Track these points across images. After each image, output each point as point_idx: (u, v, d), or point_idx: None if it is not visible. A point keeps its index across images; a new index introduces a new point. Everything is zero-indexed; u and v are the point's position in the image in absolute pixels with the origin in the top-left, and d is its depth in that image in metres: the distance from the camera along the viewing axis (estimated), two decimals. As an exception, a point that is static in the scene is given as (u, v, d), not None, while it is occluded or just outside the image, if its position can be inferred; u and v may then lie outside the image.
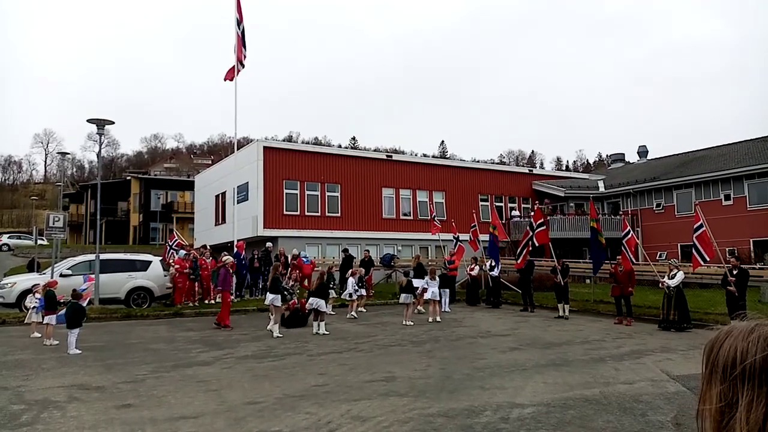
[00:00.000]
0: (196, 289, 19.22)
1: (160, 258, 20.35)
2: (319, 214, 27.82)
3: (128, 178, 58.67)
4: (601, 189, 33.84)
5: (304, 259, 21.27)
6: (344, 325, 15.29)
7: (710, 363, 0.96)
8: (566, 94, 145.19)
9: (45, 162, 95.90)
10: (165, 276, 19.10)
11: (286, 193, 27.17)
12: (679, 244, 28.17)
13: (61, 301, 12.25)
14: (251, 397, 7.65)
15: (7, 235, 48.61)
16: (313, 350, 11.40)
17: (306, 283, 19.84)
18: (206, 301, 19.14)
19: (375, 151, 64.70)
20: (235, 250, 20.41)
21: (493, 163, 75.14)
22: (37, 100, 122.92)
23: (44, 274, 17.99)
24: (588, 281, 23.98)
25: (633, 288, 15.98)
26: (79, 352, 10.91)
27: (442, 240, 24.39)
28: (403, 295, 15.90)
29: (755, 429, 0.86)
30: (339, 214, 28.30)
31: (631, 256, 16.75)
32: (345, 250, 22.88)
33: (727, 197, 27.69)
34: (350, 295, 17.09)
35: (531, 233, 18.93)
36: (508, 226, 30.69)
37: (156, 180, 57.86)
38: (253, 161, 26.84)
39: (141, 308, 17.91)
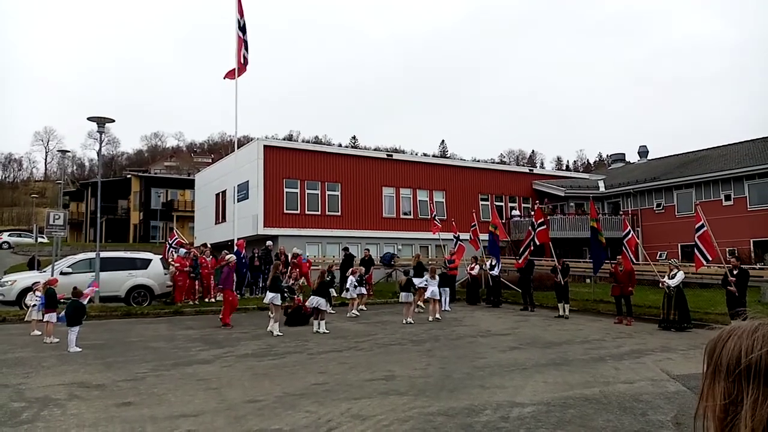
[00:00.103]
0: (197, 287, 19.24)
1: (161, 256, 20.36)
2: (319, 213, 27.82)
3: (129, 176, 58.68)
4: (602, 189, 33.84)
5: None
6: (344, 323, 15.30)
7: (713, 361, 0.96)
8: (566, 94, 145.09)
9: (45, 160, 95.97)
10: (165, 274, 19.11)
11: (287, 192, 27.17)
12: (679, 244, 28.18)
13: (62, 300, 12.25)
14: (251, 395, 7.65)
15: (8, 233, 48.68)
16: (314, 349, 11.41)
17: (302, 281, 19.83)
18: (206, 300, 19.16)
19: (375, 150, 64.65)
20: (236, 248, 20.42)
21: (493, 162, 75.15)
22: (38, 99, 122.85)
23: (44, 272, 18.01)
24: (588, 281, 23.99)
25: (633, 288, 15.98)
26: (80, 350, 10.92)
27: (442, 239, 24.39)
28: (402, 294, 15.91)
29: (760, 427, 0.87)
30: (339, 213, 28.30)
31: (632, 256, 16.75)
32: (345, 249, 22.89)
33: (728, 197, 27.69)
34: (347, 290, 17.10)
35: (533, 233, 18.95)
36: (509, 225, 30.70)
37: (156, 178, 57.89)
38: (254, 160, 26.84)
39: (141, 306, 17.92)
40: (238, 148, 27.80)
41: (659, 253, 27.99)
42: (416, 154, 69.88)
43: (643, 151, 39.77)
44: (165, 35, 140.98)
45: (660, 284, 15.29)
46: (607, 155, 59.93)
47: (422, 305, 17.45)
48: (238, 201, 26.67)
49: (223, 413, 6.79)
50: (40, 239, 35.25)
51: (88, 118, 17.80)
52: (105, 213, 48.33)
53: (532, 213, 21.88)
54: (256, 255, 21.20)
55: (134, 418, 6.59)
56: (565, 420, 6.52)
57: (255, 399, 7.44)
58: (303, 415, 6.66)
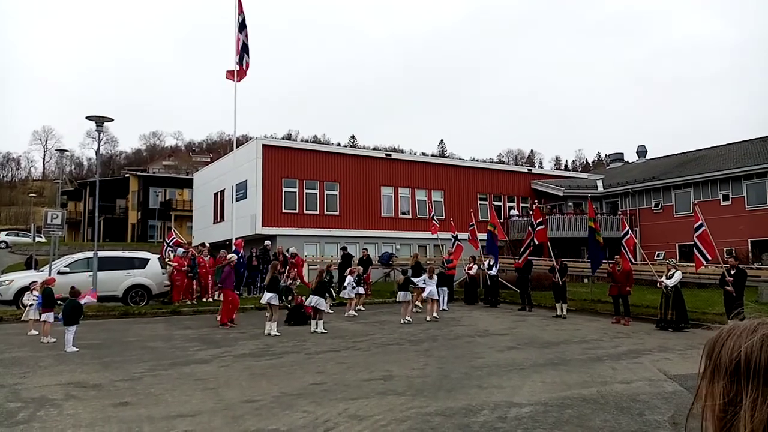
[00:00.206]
0: (194, 287, 19.21)
1: (159, 256, 20.33)
2: (317, 212, 27.81)
3: (127, 175, 58.61)
4: (600, 189, 33.87)
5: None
6: (342, 323, 15.29)
7: (713, 361, 0.95)
8: (566, 94, 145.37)
9: (44, 159, 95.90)
10: (163, 274, 19.09)
11: (285, 192, 27.16)
12: (677, 244, 28.21)
13: (59, 301, 12.22)
14: (249, 395, 7.64)
15: (5, 232, 48.58)
16: (311, 349, 11.39)
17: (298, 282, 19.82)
18: (204, 299, 19.14)
19: (374, 149, 64.66)
20: (234, 248, 20.40)
21: (492, 162, 75.18)
22: (37, 98, 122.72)
23: (42, 271, 17.97)
24: (586, 281, 24.00)
25: (631, 287, 15.99)
26: (77, 349, 10.89)
27: (440, 239, 24.41)
28: (400, 293, 15.89)
29: (760, 428, 0.86)
30: (338, 213, 28.29)
31: (630, 256, 16.76)
32: (344, 249, 22.88)
33: (726, 197, 27.73)
34: (349, 292, 17.09)
35: (533, 233, 18.97)
36: (507, 225, 30.71)
37: (155, 178, 57.85)
38: (252, 159, 26.82)
39: (139, 306, 17.89)
40: (237, 147, 27.79)
41: (657, 252, 28.01)
42: (415, 154, 69.88)
43: (641, 151, 39.82)
44: (165, 35, 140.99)
45: (658, 284, 15.30)
46: (606, 155, 60.12)
47: (420, 305, 17.45)
48: (236, 200, 26.65)
49: (221, 413, 6.78)
50: (37, 238, 35.12)
51: (87, 117, 17.77)
52: (103, 212, 48.26)
53: (531, 213, 21.88)
54: (254, 255, 21.18)
55: (131, 418, 6.57)
56: (563, 420, 6.52)
57: (252, 399, 7.42)
58: (300, 415, 6.64)
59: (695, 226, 14.98)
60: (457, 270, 21.75)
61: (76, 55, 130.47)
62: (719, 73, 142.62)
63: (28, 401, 7.28)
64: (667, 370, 9.25)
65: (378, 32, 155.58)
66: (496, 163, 76.70)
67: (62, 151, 45.06)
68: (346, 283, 17.47)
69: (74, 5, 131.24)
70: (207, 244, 21.69)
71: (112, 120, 18.02)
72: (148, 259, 19.23)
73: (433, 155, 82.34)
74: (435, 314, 16.02)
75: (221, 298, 15.66)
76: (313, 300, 13.79)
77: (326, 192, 28.20)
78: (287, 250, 21.17)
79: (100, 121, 17.82)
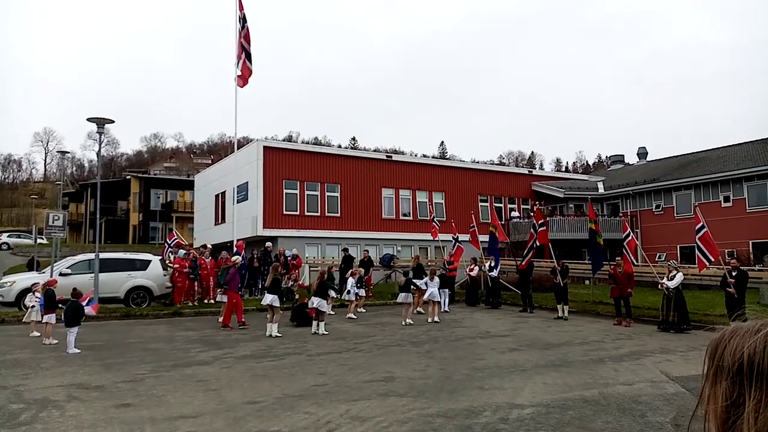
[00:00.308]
0: (196, 288, 19.21)
1: (160, 258, 20.34)
2: (318, 214, 27.81)
3: (128, 177, 58.63)
4: (601, 190, 33.85)
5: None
6: (343, 325, 15.29)
7: (715, 363, 0.95)
8: (566, 94, 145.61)
9: (45, 161, 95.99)
10: (164, 275, 19.09)
11: (286, 193, 27.17)
12: (678, 246, 28.19)
13: (59, 303, 12.21)
14: (250, 396, 7.64)
15: (7, 234, 48.57)
16: (313, 350, 11.39)
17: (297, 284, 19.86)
18: (206, 301, 19.14)
19: (375, 151, 64.70)
20: (235, 249, 20.40)
21: (492, 163, 75.15)
22: (37, 99, 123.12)
23: (44, 273, 17.98)
24: (587, 282, 23.98)
25: (632, 289, 15.98)
26: (78, 351, 10.90)
27: (441, 240, 24.40)
28: (401, 295, 15.88)
29: (764, 430, 0.86)
30: (339, 215, 28.30)
31: (632, 257, 16.74)
32: (345, 250, 22.88)
33: (727, 199, 27.71)
34: (348, 292, 17.08)
35: (535, 235, 18.95)
36: (508, 227, 30.70)
37: (156, 179, 57.84)
38: (253, 161, 26.84)
39: (140, 308, 17.90)
40: (238, 149, 27.81)
41: (658, 254, 28.00)
42: (416, 155, 70.05)
43: (642, 153, 39.78)
44: (165, 35, 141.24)
45: (659, 286, 15.28)
46: (606, 156, 60.09)
47: (422, 310, 17.36)
48: (237, 202, 26.66)
49: (223, 414, 6.78)
50: (39, 240, 35.17)
51: (88, 119, 17.78)
52: (104, 214, 48.29)
53: (532, 214, 21.85)
54: (255, 256, 21.18)
55: (133, 419, 6.58)
56: (564, 422, 6.52)
57: (254, 400, 7.43)
58: (302, 417, 6.65)
59: (696, 227, 14.97)
60: (459, 271, 21.75)
61: (76, 55, 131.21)
62: (719, 73, 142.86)
63: (31, 403, 7.29)
64: (669, 372, 9.25)
65: (378, 33, 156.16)
66: (497, 164, 76.70)
67: (63, 152, 45.19)
68: (349, 286, 17.40)
69: (74, 5, 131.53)
70: (209, 246, 21.68)
71: (113, 122, 18.03)
72: (149, 261, 19.24)
73: (433, 157, 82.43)
74: (436, 317, 15.99)
75: (222, 299, 15.65)
76: (314, 301, 13.79)
77: (327, 193, 28.21)
78: (289, 252, 21.18)
79: (101, 122, 17.83)
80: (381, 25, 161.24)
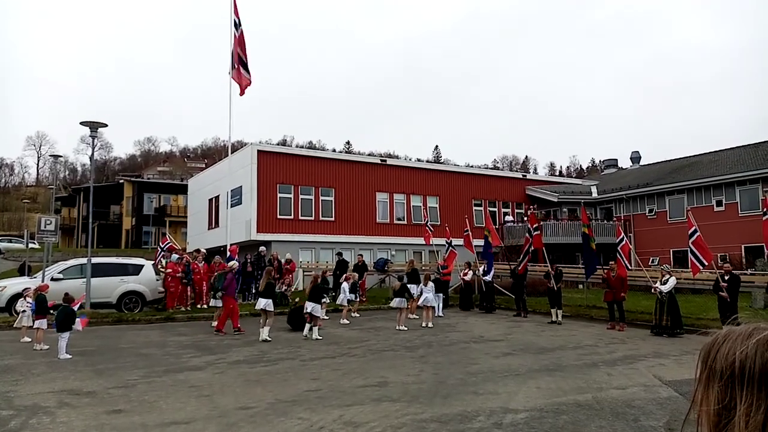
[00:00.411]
0: (189, 293, 19.12)
1: (153, 262, 20.22)
2: (312, 218, 27.79)
3: (121, 181, 58.47)
4: (594, 194, 33.99)
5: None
6: (337, 329, 15.25)
7: (708, 366, 0.95)
8: (564, 96, 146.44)
9: (37, 165, 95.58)
10: (157, 280, 18.99)
11: (280, 197, 27.14)
12: (671, 250, 28.32)
13: (51, 309, 12.11)
14: (243, 402, 7.60)
15: (-2, 239, 48.26)
16: (306, 355, 11.35)
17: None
18: (198, 306, 19.04)
19: (369, 155, 64.69)
20: (228, 254, 20.32)
21: (486, 168, 75.37)
22: (30, 101, 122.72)
23: (35, 277, 17.86)
24: (581, 286, 24.05)
25: (625, 293, 16.03)
26: (70, 356, 10.82)
27: (435, 245, 24.43)
28: (396, 299, 15.86)
29: None
30: (333, 219, 28.28)
31: (626, 262, 16.81)
32: (339, 254, 22.84)
33: (719, 203, 27.88)
34: (344, 299, 17.05)
35: (531, 240, 18.98)
36: (502, 231, 30.75)
37: (149, 183, 57.67)
38: (247, 165, 26.80)
39: (133, 313, 17.78)
40: (232, 153, 27.73)
41: (651, 258, 28.11)
42: (410, 160, 70.22)
43: (635, 157, 40.03)
44: (158, 40, 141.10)
45: (652, 290, 15.34)
46: (600, 161, 60.38)
47: (415, 316, 17.33)
48: (231, 206, 26.55)
49: (215, 420, 6.74)
50: (31, 245, 34.98)
51: (81, 123, 17.71)
52: (97, 218, 48.04)
53: (526, 218, 21.91)
54: (248, 261, 21.12)
55: (125, 425, 6.52)
56: (558, 426, 6.52)
57: (247, 406, 7.39)
58: (295, 422, 6.62)
59: (689, 232, 15.05)
60: (453, 276, 21.76)
61: (72, 57, 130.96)
62: (716, 77, 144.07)
63: (21, 409, 7.21)
64: (662, 376, 9.27)
65: (373, 37, 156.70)
66: (491, 168, 76.92)
67: (56, 156, 44.98)
68: (342, 290, 17.37)
69: (74, 5, 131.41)
70: (203, 250, 21.59)
71: (106, 125, 17.97)
72: (142, 266, 19.14)
73: (428, 161, 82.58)
74: (430, 322, 15.96)
75: (216, 304, 15.58)
76: (308, 306, 13.75)
77: (321, 198, 28.20)
78: (283, 256, 21.12)
79: (94, 126, 17.77)
80: (376, 28, 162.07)
